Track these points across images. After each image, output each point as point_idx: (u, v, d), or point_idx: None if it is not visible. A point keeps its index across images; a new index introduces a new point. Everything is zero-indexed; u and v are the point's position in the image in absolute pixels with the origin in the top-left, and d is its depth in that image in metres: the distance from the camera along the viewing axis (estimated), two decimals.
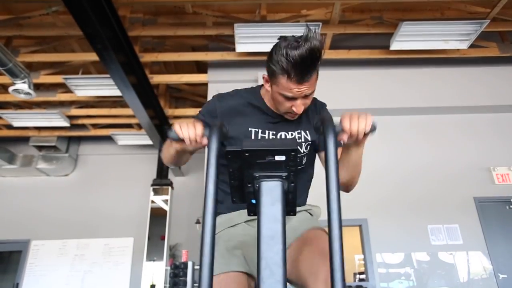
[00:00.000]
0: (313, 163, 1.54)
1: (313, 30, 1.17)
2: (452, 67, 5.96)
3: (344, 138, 1.11)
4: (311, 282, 1.16)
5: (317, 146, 1.49)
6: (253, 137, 1.39)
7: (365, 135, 1.13)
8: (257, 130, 1.41)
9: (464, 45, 5.04)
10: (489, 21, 4.72)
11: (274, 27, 4.74)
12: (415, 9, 5.34)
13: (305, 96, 1.30)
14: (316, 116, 1.22)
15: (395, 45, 5.01)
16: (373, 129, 1.11)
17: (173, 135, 1.17)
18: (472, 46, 5.12)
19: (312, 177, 1.58)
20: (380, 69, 5.94)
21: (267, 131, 1.42)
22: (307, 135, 1.45)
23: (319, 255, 1.19)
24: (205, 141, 1.13)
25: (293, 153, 0.88)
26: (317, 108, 1.52)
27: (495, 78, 5.93)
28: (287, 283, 1.43)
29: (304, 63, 1.19)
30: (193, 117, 1.54)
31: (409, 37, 4.91)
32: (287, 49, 1.18)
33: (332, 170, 0.88)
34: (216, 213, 0.86)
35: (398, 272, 5.24)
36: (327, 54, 5.42)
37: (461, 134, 5.91)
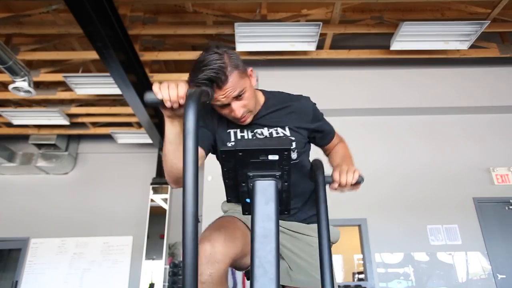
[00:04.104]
0: (307, 158, 1.56)
1: (212, 54, 1.27)
2: (452, 67, 5.96)
3: (334, 186, 1.28)
4: None
5: (312, 139, 1.57)
6: (232, 138, 1.44)
7: (354, 185, 1.29)
8: (235, 130, 1.46)
9: (464, 46, 5.04)
10: (489, 21, 4.72)
11: (275, 26, 4.74)
12: (416, 9, 5.33)
13: (237, 98, 1.33)
14: (311, 163, 1.27)
15: (395, 45, 5.00)
16: (359, 181, 1.28)
17: (151, 97, 1.05)
18: (472, 46, 5.12)
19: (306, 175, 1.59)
20: (380, 69, 5.94)
21: (245, 130, 1.46)
22: (284, 130, 1.47)
23: None
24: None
25: (286, 153, 0.88)
26: (299, 103, 1.53)
27: (495, 79, 5.93)
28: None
29: (212, 79, 1.25)
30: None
31: (410, 37, 4.91)
32: (196, 77, 1.26)
33: (322, 211, 1.02)
34: (197, 187, 0.83)
35: (397, 272, 5.25)
36: (327, 54, 5.43)
37: (461, 135, 5.91)
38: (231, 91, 1.29)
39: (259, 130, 1.46)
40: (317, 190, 1.07)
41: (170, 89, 1.05)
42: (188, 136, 0.82)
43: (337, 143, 1.64)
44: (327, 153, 1.66)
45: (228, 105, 1.33)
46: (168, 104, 1.07)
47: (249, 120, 1.42)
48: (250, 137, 1.45)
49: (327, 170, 1.23)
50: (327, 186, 1.20)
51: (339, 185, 1.27)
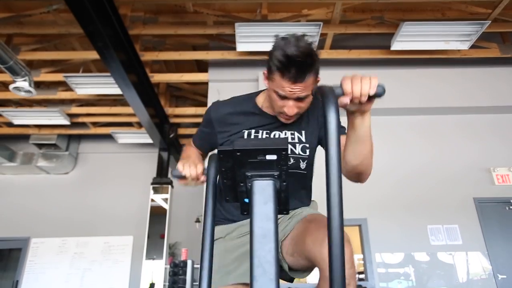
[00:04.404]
0: (312, 170, 1.54)
1: (304, 37, 1.20)
2: (452, 67, 5.95)
3: (346, 100, 0.98)
4: (317, 250, 1.17)
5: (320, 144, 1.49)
6: (245, 137, 1.42)
7: (370, 99, 1.00)
8: (250, 131, 1.43)
9: (465, 46, 5.03)
10: (490, 22, 4.71)
11: (275, 26, 4.74)
12: (416, 9, 5.33)
13: (299, 99, 1.29)
14: (314, 87, 1.18)
15: (396, 45, 5.00)
16: (379, 91, 0.98)
17: (177, 173, 1.31)
18: (473, 46, 5.12)
19: (310, 183, 1.58)
20: (381, 69, 5.94)
21: (260, 131, 1.43)
22: (301, 136, 1.44)
23: (323, 228, 1.12)
24: (204, 178, 1.26)
25: (284, 153, 0.88)
26: (319, 111, 1.46)
27: (495, 79, 5.92)
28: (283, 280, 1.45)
29: (298, 62, 1.19)
30: (188, 125, 1.61)
31: (410, 38, 4.91)
32: (284, 47, 1.19)
33: (332, 141, 0.80)
34: (213, 244, 0.96)
35: (398, 272, 5.24)
36: (328, 54, 5.43)
37: (461, 135, 5.90)
38: (300, 91, 1.26)
39: (276, 133, 1.44)
40: (326, 111, 0.83)
41: (190, 168, 1.26)
42: (208, 214, 1.04)
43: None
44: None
45: (286, 99, 1.29)
46: (190, 180, 1.28)
47: (292, 120, 1.39)
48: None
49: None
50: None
51: (352, 98, 0.98)
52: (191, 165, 1.27)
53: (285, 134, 1.44)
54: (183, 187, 7.41)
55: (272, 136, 1.43)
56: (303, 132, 1.45)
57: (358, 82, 0.96)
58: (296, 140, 1.44)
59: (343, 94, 0.97)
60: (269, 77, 1.32)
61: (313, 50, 1.21)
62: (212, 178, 1.07)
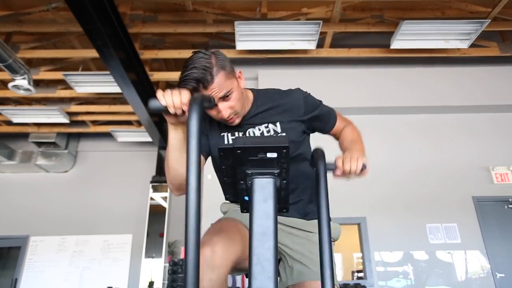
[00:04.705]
0: (304, 149, 1.53)
1: (200, 55, 1.27)
2: (452, 66, 5.96)
3: (337, 173, 1.23)
4: None
5: (314, 128, 1.55)
6: (225, 141, 1.43)
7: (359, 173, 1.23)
8: (227, 133, 1.45)
9: (464, 45, 5.03)
10: (489, 20, 4.71)
11: (275, 25, 4.74)
12: (416, 8, 5.33)
13: (224, 98, 1.31)
14: (312, 152, 1.23)
15: (395, 44, 5.00)
16: (363, 168, 1.23)
17: (155, 104, 1.10)
18: (472, 45, 5.12)
19: (307, 169, 1.58)
20: (380, 68, 5.94)
21: (236, 132, 1.45)
22: (276, 126, 1.45)
23: None
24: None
25: (284, 150, 0.89)
26: (289, 98, 1.51)
27: (495, 77, 5.93)
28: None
29: (195, 74, 1.24)
30: None
31: (410, 36, 4.90)
32: (182, 73, 1.26)
33: (323, 201, 0.99)
34: (199, 188, 0.85)
35: (396, 270, 5.26)
36: (327, 53, 5.42)
37: (460, 134, 5.91)
38: (217, 91, 1.28)
39: (250, 130, 1.45)
40: (318, 180, 1.03)
41: (173, 96, 1.11)
42: (191, 141, 0.86)
43: (343, 127, 1.59)
44: (337, 138, 1.62)
45: (214, 106, 1.32)
46: (171, 111, 1.11)
47: (237, 121, 1.40)
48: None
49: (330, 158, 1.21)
50: (330, 175, 1.15)
51: (343, 172, 1.22)
52: (174, 92, 1.12)
53: (259, 130, 1.45)
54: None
55: (247, 133, 1.44)
56: (277, 123, 1.46)
57: (348, 162, 1.21)
58: (272, 132, 1.45)
59: (335, 167, 1.21)
60: None
61: (203, 62, 1.26)
62: (196, 111, 0.90)
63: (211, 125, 1.47)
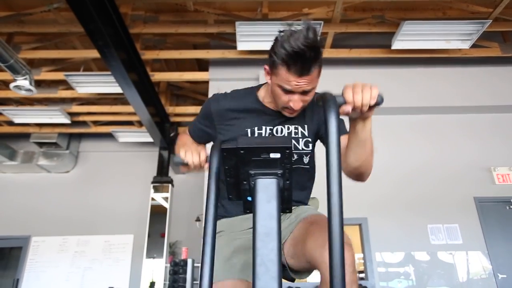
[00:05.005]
0: (314, 163, 1.53)
1: (312, 26, 1.16)
2: (453, 67, 5.95)
3: (348, 109, 1.01)
4: (318, 253, 1.17)
5: (320, 139, 1.48)
6: (249, 135, 1.40)
7: (371, 107, 1.05)
8: (253, 128, 1.41)
9: (465, 45, 5.03)
10: (491, 21, 4.70)
11: (276, 25, 4.73)
12: (417, 8, 5.33)
13: (304, 92, 1.28)
14: (316, 93, 1.21)
15: (396, 45, 5.00)
16: (379, 101, 1.05)
17: (179, 160, 1.28)
18: (474, 46, 5.11)
19: (313, 177, 1.57)
20: (381, 68, 5.93)
21: (263, 127, 1.42)
22: (304, 130, 1.43)
23: (325, 231, 1.11)
24: (207, 165, 1.19)
25: (287, 151, 0.88)
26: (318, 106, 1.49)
27: (496, 78, 5.92)
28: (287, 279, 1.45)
29: (303, 55, 1.17)
30: (188, 123, 1.59)
31: (411, 37, 4.90)
32: (288, 40, 1.16)
33: (333, 146, 0.82)
34: (215, 236, 0.90)
35: (398, 271, 5.25)
36: (328, 53, 5.42)
37: (462, 134, 5.90)
38: (306, 84, 1.24)
39: (279, 128, 1.43)
40: (327, 119, 0.86)
41: (194, 156, 1.25)
42: (210, 202, 0.94)
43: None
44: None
45: (292, 93, 1.27)
46: (192, 168, 1.27)
47: (295, 114, 1.37)
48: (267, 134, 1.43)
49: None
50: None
51: (354, 107, 1.02)
52: (194, 152, 1.26)
53: (288, 129, 1.42)
54: (184, 185, 7.40)
55: (274, 131, 1.42)
56: (305, 126, 1.44)
57: (359, 92, 1.01)
58: (300, 135, 1.43)
59: (345, 102, 1.01)
60: (272, 71, 1.29)
61: (319, 42, 1.17)
62: (214, 168, 0.97)
63: (231, 120, 1.45)
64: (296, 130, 1.43)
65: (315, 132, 1.46)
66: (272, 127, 1.42)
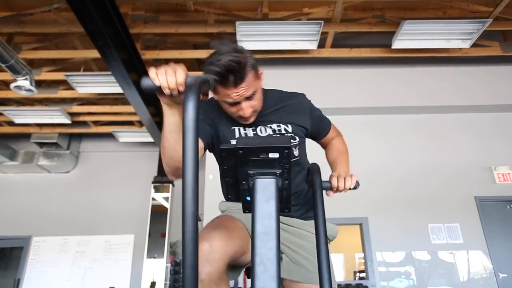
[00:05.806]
0: (306, 153, 1.58)
1: (226, 40, 1.28)
2: (454, 66, 5.95)
3: (331, 194, 1.33)
4: None
5: (306, 133, 1.55)
6: (237, 135, 1.44)
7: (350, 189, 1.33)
8: (239, 127, 1.46)
9: (466, 44, 5.03)
10: (491, 20, 4.70)
11: (276, 25, 4.74)
12: (417, 7, 5.32)
13: (248, 98, 1.33)
14: (308, 167, 1.28)
15: (397, 44, 5.00)
16: (356, 185, 1.33)
17: (148, 84, 0.97)
18: (474, 45, 5.11)
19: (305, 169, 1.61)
20: (382, 67, 5.93)
21: (247, 128, 1.46)
22: (287, 127, 1.48)
23: None
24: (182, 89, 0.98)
25: (286, 151, 0.89)
26: (296, 101, 1.55)
27: (497, 77, 5.91)
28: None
29: (230, 68, 1.22)
30: None
31: (411, 36, 4.90)
32: (213, 62, 1.23)
33: (320, 214, 1.08)
34: (197, 172, 0.76)
35: (399, 270, 5.25)
36: (329, 53, 5.42)
37: (462, 133, 5.90)
38: (245, 90, 1.29)
39: (262, 128, 1.47)
40: (314, 195, 1.12)
41: (168, 75, 0.97)
42: (188, 128, 0.76)
43: (333, 136, 1.66)
44: (324, 146, 1.69)
45: (237, 103, 1.33)
46: (166, 92, 0.99)
47: (252, 119, 1.42)
48: (251, 135, 1.46)
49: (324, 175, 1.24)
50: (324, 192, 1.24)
51: (336, 190, 1.31)
52: (168, 70, 0.98)
53: (271, 128, 1.46)
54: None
55: (258, 131, 1.46)
56: (289, 125, 1.48)
57: (342, 180, 1.31)
58: (283, 132, 1.48)
59: (330, 187, 1.32)
60: (214, 92, 1.36)
61: (240, 50, 1.27)
62: (194, 94, 0.79)
63: (220, 116, 1.47)
64: (279, 127, 1.47)
65: (301, 125, 1.51)
66: (254, 127, 1.46)
